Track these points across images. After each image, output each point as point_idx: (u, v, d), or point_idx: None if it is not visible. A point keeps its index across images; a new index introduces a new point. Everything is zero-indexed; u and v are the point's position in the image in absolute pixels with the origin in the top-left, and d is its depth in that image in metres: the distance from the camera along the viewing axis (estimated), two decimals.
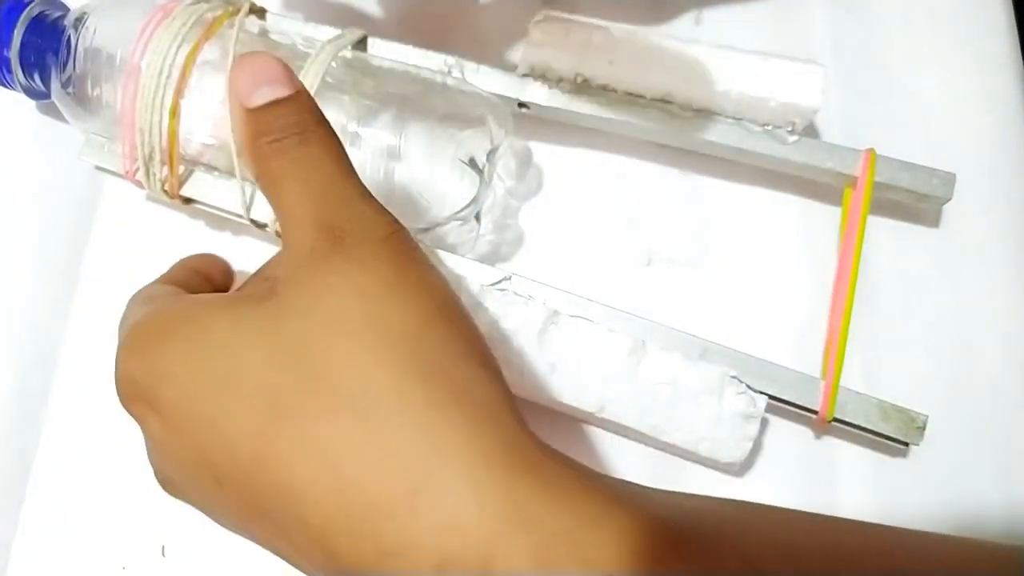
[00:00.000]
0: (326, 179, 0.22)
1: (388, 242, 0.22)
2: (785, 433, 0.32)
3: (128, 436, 0.32)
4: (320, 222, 0.22)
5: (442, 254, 0.31)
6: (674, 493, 0.21)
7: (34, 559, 0.32)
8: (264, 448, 0.19)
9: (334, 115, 0.30)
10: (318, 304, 0.20)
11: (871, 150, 0.32)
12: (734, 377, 0.28)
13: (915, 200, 0.33)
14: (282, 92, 0.23)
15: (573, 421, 0.32)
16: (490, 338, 0.28)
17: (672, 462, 0.31)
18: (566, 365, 0.28)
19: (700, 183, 0.36)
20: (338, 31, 0.33)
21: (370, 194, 0.23)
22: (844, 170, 0.33)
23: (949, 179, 0.32)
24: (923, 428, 0.29)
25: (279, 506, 0.19)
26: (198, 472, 0.21)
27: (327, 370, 0.19)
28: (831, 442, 0.32)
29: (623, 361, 0.28)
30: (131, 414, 0.22)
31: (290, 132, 0.22)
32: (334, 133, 0.23)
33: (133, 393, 0.22)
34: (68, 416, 0.34)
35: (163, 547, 0.31)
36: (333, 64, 0.31)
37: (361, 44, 0.34)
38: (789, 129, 0.33)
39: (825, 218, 0.35)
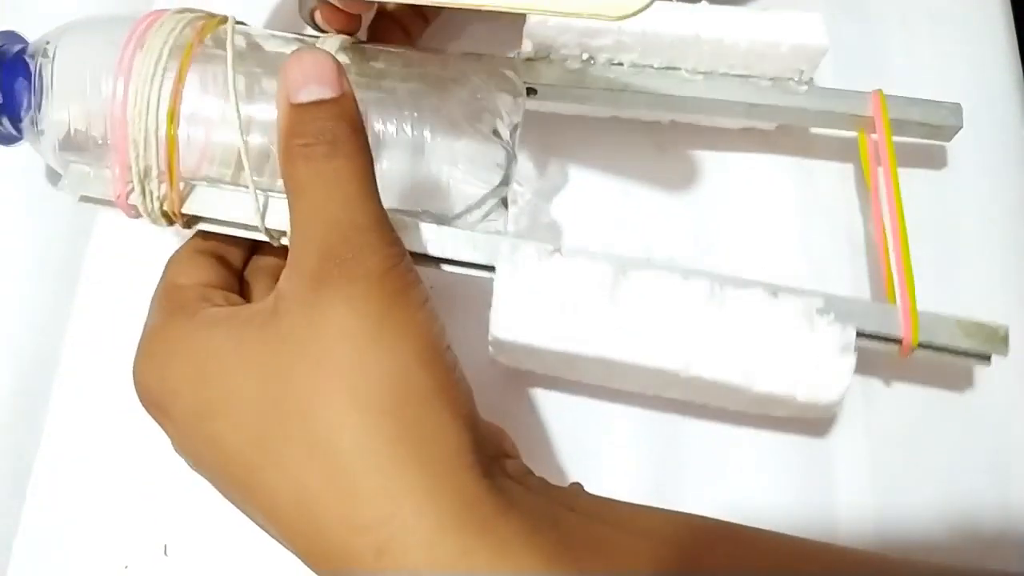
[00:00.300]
0: (343, 199, 0.23)
1: (382, 281, 0.22)
2: (783, 434, 0.32)
3: (129, 436, 0.33)
4: (326, 246, 0.23)
5: (478, 236, 0.28)
6: (650, 532, 0.24)
7: (35, 558, 0.32)
8: (251, 477, 0.22)
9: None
10: (310, 343, 0.22)
11: (879, 90, 0.33)
12: (821, 307, 0.27)
13: (927, 133, 0.33)
14: (328, 93, 0.23)
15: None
16: (559, 309, 0.26)
17: (667, 484, 0.31)
18: (645, 322, 0.26)
19: (703, 160, 0.36)
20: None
21: (383, 219, 0.23)
22: (858, 111, 0.33)
23: (956, 109, 0.33)
24: (1006, 338, 0.28)
25: (266, 524, 0.23)
26: (203, 473, 0.24)
27: (310, 411, 0.22)
28: (830, 442, 0.32)
29: (703, 307, 0.26)
30: (148, 413, 0.25)
31: (322, 139, 0.23)
32: (366, 145, 0.24)
33: (148, 399, 0.25)
34: (69, 416, 0.33)
35: (165, 546, 0.31)
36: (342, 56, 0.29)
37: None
38: (797, 79, 0.33)
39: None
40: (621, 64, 0.33)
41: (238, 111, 0.27)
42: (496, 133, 0.29)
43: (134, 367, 0.25)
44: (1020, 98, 0.37)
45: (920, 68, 0.38)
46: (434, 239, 0.28)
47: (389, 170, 0.28)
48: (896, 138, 0.33)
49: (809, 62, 0.32)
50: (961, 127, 0.33)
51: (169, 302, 0.26)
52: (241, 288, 0.29)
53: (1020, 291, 0.34)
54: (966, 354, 0.28)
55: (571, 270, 0.27)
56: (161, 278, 0.28)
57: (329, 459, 0.21)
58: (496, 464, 0.25)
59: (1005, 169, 0.36)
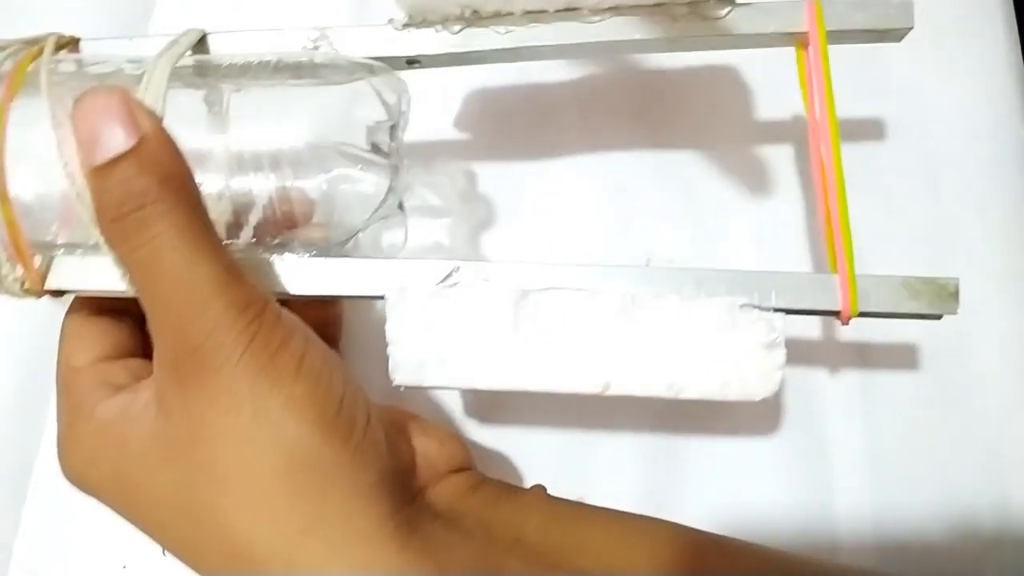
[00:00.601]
0: (174, 276, 0.21)
1: (245, 363, 0.21)
2: (783, 434, 0.32)
3: None
4: (175, 337, 0.21)
5: (367, 265, 0.26)
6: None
7: (35, 558, 0.32)
8: (185, 560, 0.23)
9: (190, 141, 0.25)
10: (195, 450, 0.22)
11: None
12: (744, 304, 0.24)
13: (876, 38, 0.29)
14: (122, 143, 0.21)
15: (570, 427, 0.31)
16: (457, 345, 0.24)
17: (666, 485, 0.31)
18: (553, 352, 0.24)
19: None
20: (169, 37, 0.28)
21: (230, 278, 0.22)
22: (789, 28, 0.28)
23: (906, 5, 0.28)
24: (956, 293, 0.26)
25: None
26: None
27: (222, 521, 0.22)
28: (829, 442, 0.32)
29: (614, 324, 0.24)
30: None
31: (129, 208, 0.21)
32: (185, 191, 0.22)
33: (78, 487, 0.25)
34: None
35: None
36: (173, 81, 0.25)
37: (201, 45, 0.28)
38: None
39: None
40: (512, 14, 0.28)
41: (62, 158, 0.24)
42: (375, 147, 0.26)
43: (59, 456, 0.25)
44: (1020, 98, 0.36)
45: (921, 68, 0.36)
46: (305, 277, 0.26)
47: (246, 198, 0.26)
48: (840, 46, 0.29)
49: None
50: (912, 27, 0.28)
51: (69, 396, 0.25)
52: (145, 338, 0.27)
53: (1020, 291, 0.33)
54: (915, 316, 0.26)
55: (467, 301, 0.25)
56: (59, 351, 0.26)
57: (246, 562, 0.21)
58: (420, 503, 0.24)
59: (1006, 169, 0.35)
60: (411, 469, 0.25)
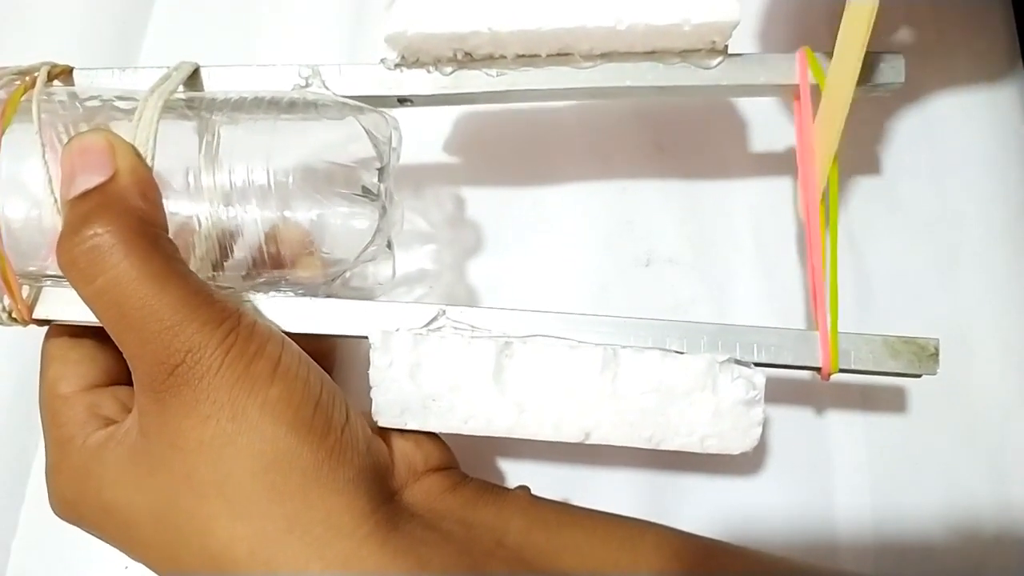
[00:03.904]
0: (141, 303, 0.21)
1: (223, 373, 0.22)
2: (782, 435, 0.32)
3: None
4: (150, 359, 0.22)
5: (352, 306, 0.26)
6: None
7: (35, 559, 0.32)
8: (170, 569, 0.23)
9: (181, 176, 0.25)
10: (176, 463, 0.22)
11: (804, 48, 0.28)
12: (725, 361, 0.24)
13: (867, 92, 0.29)
14: (95, 178, 0.22)
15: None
16: (439, 391, 0.25)
17: (666, 486, 0.31)
18: (534, 401, 0.24)
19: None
20: (163, 70, 0.28)
21: (200, 298, 0.22)
22: (780, 80, 0.28)
23: (898, 61, 0.28)
24: (936, 354, 0.26)
25: None
26: None
27: (204, 529, 0.22)
28: (830, 442, 0.32)
29: (597, 379, 0.24)
30: None
31: (82, 238, 0.21)
32: (150, 220, 0.22)
33: (67, 520, 0.25)
34: None
35: None
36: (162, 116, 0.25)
37: (194, 79, 0.28)
38: (709, 49, 0.28)
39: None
40: (504, 57, 0.28)
41: (52, 190, 0.24)
42: (364, 190, 0.26)
43: (47, 489, 0.25)
44: (1020, 97, 0.35)
45: (920, 68, 0.35)
46: (291, 315, 0.26)
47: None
48: None
49: (720, 34, 0.27)
50: (902, 82, 0.29)
51: (59, 428, 0.25)
52: None
53: (1020, 292, 0.33)
54: (895, 375, 0.26)
55: (450, 347, 0.25)
56: (41, 377, 0.26)
57: (228, 566, 0.22)
58: (397, 502, 0.24)
59: (1007, 168, 0.34)
60: (389, 468, 0.25)
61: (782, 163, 0.35)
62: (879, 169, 0.35)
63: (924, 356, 0.26)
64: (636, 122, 0.35)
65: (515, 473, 0.32)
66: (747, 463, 0.32)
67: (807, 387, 0.33)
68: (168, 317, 0.21)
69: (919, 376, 0.26)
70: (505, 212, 0.35)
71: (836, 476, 0.31)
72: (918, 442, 0.32)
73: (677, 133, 0.35)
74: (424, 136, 0.35)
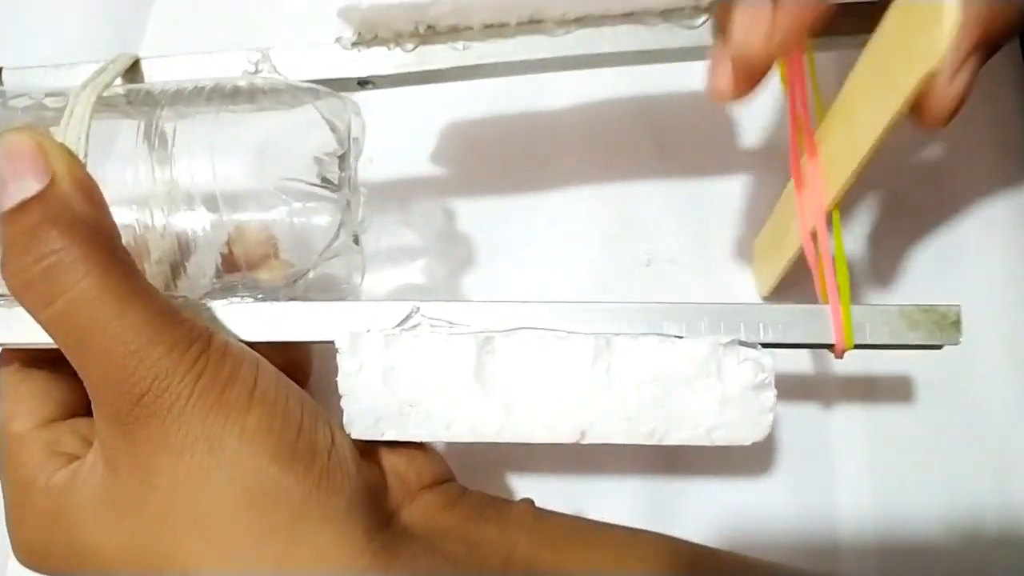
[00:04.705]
0: (102, 327, 0.19)
1: (194, 403, 0.20)
2: (785, 434, 0.31)
3: None
4: (115, 390, 0.20)
5: (317, 309, 0.24)
6: None
7: None
8: None
9: (123, 177, 0.23)
10: (149, 499, 0.20)
11: None
12: (728, 344, 0.22)
13: (863, 44, 0.27)
14: (30, 187, 0.20)
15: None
16: (417, 395, 0.22)
17: (667, 486, 0.31)
18: (523, 401, 0.22)
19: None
20: (98, 64, 0.25)
21: (165, 319, 0.20)
22: None
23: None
24: (959, 322, 0.24)
25: None
26: None
27: (186, 570, 0.20)
28: (831, 442, 0.31)
29: (589, 372, 0.22)
30: None
31: (35, 257, 0.19)
32: (102, 232, 0.20)
33: (34, 569, 0.23)
34: None
35: None
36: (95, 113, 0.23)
37: (134, 72, 0.26)
38: (694, 6, 0.26)
39: None
40: (470, 28, 0.26)
41: None
42: (325, 180, 0.23)
43: (10, 538, 0.23)
44: (1020, 97, 0.35)
45: None
46: (250, 322, 0.24)
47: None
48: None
49: None
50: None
51: (16, 470, 0.23)
52: None
53: (1021, 291, 0.32)
54: (915, 347, 0.24)
55: (426, 347, 0.23)
56: None
57: None
58: (395, 525, 0.23)
59: (1008, 167, 0.34)
60: (382, 489, 0.23)
61: (783, 162, 0.33)
62: (879, 169, 0.34)
63: (945, 324, 0.24)
64: (636, 122, 0.35)
65: (516, 481, 0.31)
66: (750, 462, 0.31)
67: (809, 385, 0.32)
68: (131, 342, 0.20)
69: (940, 347, 0.24)
70: (505, 212, 0.34)
71: (838, 475, 0.31)
72: (921, 442, 0.31)
73: (677, 133, 0.35)
74: (424, 138, 0.34)
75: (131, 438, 0.20)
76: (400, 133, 0.33)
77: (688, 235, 0.34)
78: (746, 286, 0.33)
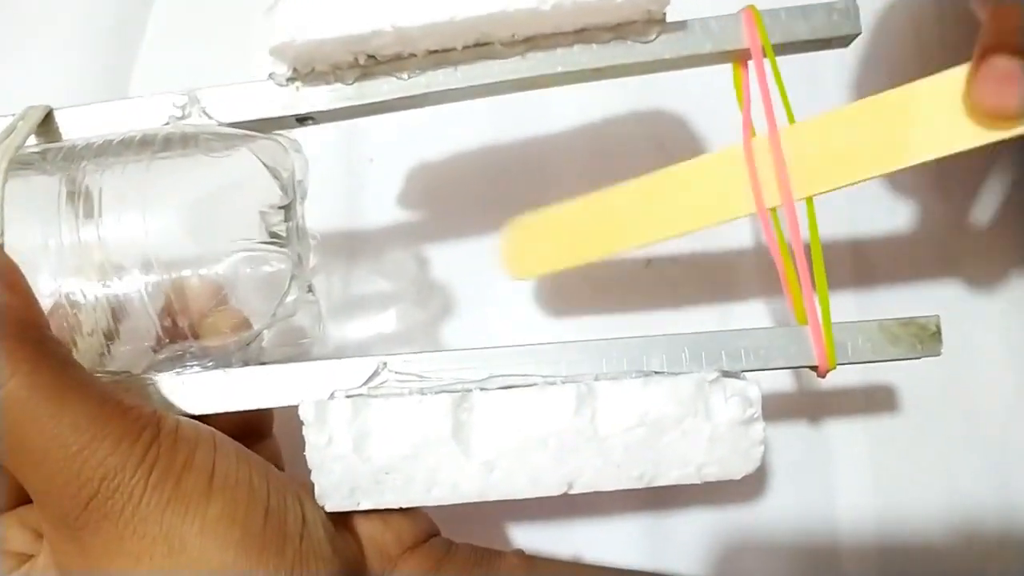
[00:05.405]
0: (37, 431, 0.17)
1: (147, 501, 0.18)
2: (784, 438, 0.31)
3: None
4: (61, 494, 0.18)
5: (275, 372, 0.22)
6: None
7: None
8: None
9: (45, 244, 0.21)
10: None
11: (750, 7, 0.25)
12: (714, 380, 0.21)
13: (820, 47, 0.26)
14: None
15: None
16: (391, 461, 0.21)
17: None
18: (505, 457, 0.21)
19: None
20: (8, 116, 0.23)
21: (107, 412, 0.18)
22: (729, 46, 0.25)
23: (850, 9, 0.25)
24: (938, 333, 0.23)
25: None
26: None
27: None
28: (830, 442, 0.31)
29: (573, 422, 0.21)
30: None
31: None
32: (25, 320, 0.18)
33: None
34: None
35: None
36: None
37: (47, 126, 0.23)
38: (646, 21, 0.25)
39: None
40: (414, 56, 0.24)
41: None
42: (273, 235, 0.22)
43: None
44: None
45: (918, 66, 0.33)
46: (203, 393, 0.22)
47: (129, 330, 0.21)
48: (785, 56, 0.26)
49: (656, 3, 0.24)
50: (859, 32, 0.26)
51: None
52: None
53: (1021, 291, 0.32)
54: (895, 360, 0.23)
55: (396, 408, 0.21)
56: None
57: None
58: None
59: (1005, 168, 0.33)
60: (360, 564, 0.22)
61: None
62: None
63: (925, 336, 0.23)
64: (636, 122, 0.34)
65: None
66: (747, 480, 0.30)
67: (807, 388, 0.32)
68: (73, 440, 0.18)
69: (920, 358, 0.24)
70: (505, 213, 0.32)
71: (838, 478, 0.31)
72: (920, 444, 0.31)
73: (677, 133, 0.34)
74: (424, 139, 0.33)
75: (82, 544, 0.18)
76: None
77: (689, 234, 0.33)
78: (747, 286, 0.32)
